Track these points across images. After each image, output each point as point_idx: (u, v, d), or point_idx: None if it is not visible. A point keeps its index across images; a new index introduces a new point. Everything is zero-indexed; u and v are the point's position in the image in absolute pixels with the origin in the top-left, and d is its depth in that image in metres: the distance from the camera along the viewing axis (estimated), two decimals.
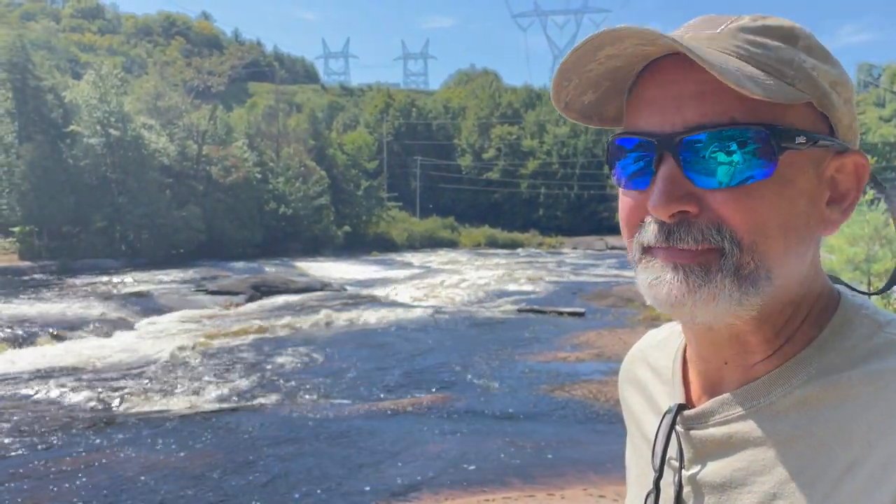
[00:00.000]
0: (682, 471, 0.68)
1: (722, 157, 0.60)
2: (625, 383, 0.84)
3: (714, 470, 0.65)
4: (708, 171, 0.60)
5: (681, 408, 0.70)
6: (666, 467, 0.70)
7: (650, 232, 0.63)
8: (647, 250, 0.64)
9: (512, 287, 23.88)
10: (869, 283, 9.06)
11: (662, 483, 0.70)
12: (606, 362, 11.36)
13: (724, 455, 0.65)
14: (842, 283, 0.71)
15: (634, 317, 16.15)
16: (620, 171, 0.67)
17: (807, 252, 0.63)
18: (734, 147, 0.59)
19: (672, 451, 0.69)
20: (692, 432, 0.68)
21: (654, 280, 0.63)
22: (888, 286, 0.73)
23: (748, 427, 0.63)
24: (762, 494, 0.61)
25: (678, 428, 0.69)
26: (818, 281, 0.66)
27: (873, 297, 0.71)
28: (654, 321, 15.06)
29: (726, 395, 0.66)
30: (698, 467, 0.67)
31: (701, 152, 0.60)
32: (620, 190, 0.68)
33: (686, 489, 0.67)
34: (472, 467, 6.94)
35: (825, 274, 0.68)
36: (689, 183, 0.61)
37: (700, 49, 0.57)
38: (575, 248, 52.38)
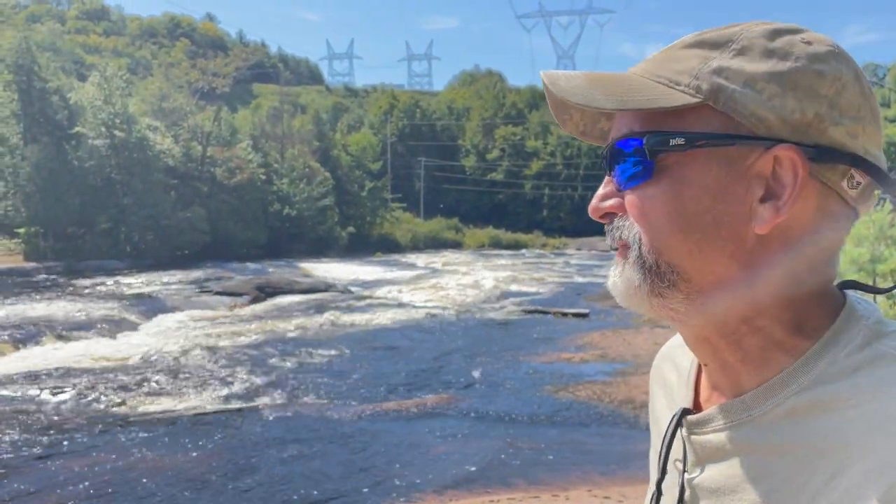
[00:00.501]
0: (685, 474, 0.69)
1: (624, 163, 0.67)
2: (653, 382, 0.86)
3: (711, 475, 0.67)
4: (622, 177, 0.68)
5: (686, 412, 0.71)
6: (672, 469, 0.72)
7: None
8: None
9: (516, 288, 23.87)
10: (874, 284, 9.03)
11: (667, 485, 0.72)
12: (610, 363, 11.35)
13: (720, 461, 0.66)
14: (858, 285, 0.69)
15: (638, 318, 16.13)
16: None
17: (731, 249, 0.64)
18: (624, 154, 0.67)
19: (678, 453, 0.71)
20: (693, 437, 0.69)
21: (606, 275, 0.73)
22: None
23: (742, 436, 0.65)
24: (752, 502, 0.62)
25: (682, 432, 0.70)
26: (802, 286, 0.65)
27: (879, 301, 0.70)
28: (658, 322, 15.03)
29: (725, 404, 0.67)
30: (698, 471, 0.68)
31: (614, 160, 0.68)
32: None
33: (687, 492, 0.69)
34: (476, 468, 6.94)
35: (824, 281, 0.67)
36: (616, 188, 0.69)
37: (556, 77, 0.69)
38: (579, 248, 52.30)
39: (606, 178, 0.70)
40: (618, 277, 0.70)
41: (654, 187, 0.65)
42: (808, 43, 0.65)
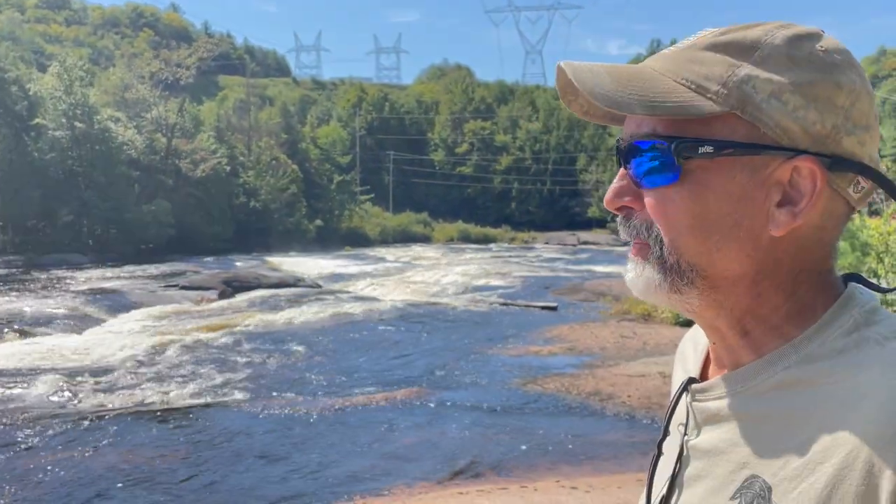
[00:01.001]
0: (685, 437, 0.76)
1: (643, 163, 0.69)
2: (677, 359, 0.93)
3: (706, 438, 0.73)
4: (640, 176, 0.70)
5: (692, 381, 0.78)
6: (674, 432, 0.79)
7: (620, 224, 0.75)
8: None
9: (485, 281, 23.97)
10: None
11: (668, 446, 0.79)
12: (578, 356, 11.48)
13: (715, 426, 0.72)
14: (863, 281, 0.74)
15: (606, 311, 16.33)
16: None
17: (748, 249, 0.68)
18: (649, 155, 0.69)
19: (681, 418, 0.78)
20: (695, 403, 0.76)
21: (624, 269, 0.76)
22: None
23: (735, 404, 0.71)
24: (735, 462, 0.68)
25: (687, 398, 0.77)
26: (802, 277, 0.71)
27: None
28: (626, 315, 15.25)
29: (724, 375, 0.74)
30: (696, 434, 0.75)
31: (634, 158, 0.70)
32: None
33: (685, 453, 0.75)
34: (445, 461, 6.98)
35: (829, 272, 0.72)
36: (633, 183, 0.71)
37: (590, 75, 0.68)
38: (547, 242, 52.66)
39: (621, 171, 0.73)
40: (638, 276, 0.73)
41: (679, 190, 0.68)
42: (826, 51, 0.68)
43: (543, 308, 17.35)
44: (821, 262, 0.72)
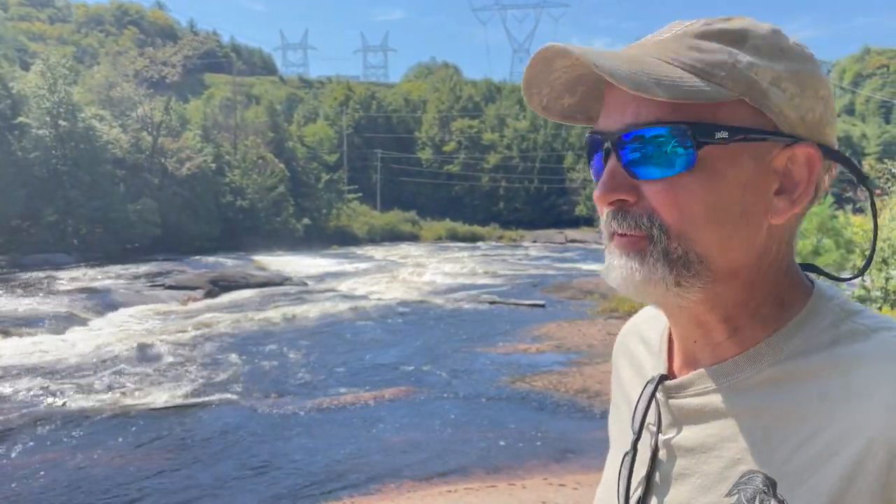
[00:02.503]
0: (659, 435, 0.74)
1: (650, 152, 0.67)
2: (618, 354, 0.91)
3: (687, 435, 0.72)
4: (640, 165, 0.68)
5: (663, 378, 0.76)
6: (644, 431, 0.76)
7: (605, 218, 0.72)
8: (611, 237, 0.72)
9: (473, 280, 23.99)
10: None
11: (640, 445, 0.77)
12: (566, 353, 11.51)
13: (698, 423, 0.71)
14: (819, 271, 0.76)
15: (594, 308, 16.38)
16: (592, 166, 0.75)
17: (752, 239, 0.68)
18: (659, 143, 0.66)
19: (652, 417, 0.76)
20: (671, 401, 0.74)
21: (608, 265, 0.72)
22: (862, 272, 0.81)
23: (720, 399, 0.70)
24: (727, 459, 0.67)
25: (659, 396, 0.76)
26: (783, 268, 0.71)
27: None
28: (613, 312, 15.30)
29: (703, 370, 0.72)
30: (674, 432, 0.73)
31: (634, 149, 0.68)
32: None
33: (661, 451, 0.74)
34: (434, 459, 6.98)
35: (795, 263, 0.74)
36: (627, 175, 0.69)
37: (603, 59, 0.65)
38: (535, 241, 52.73)
39: (612, 164, 0.69)
40: (634, 271, 0.69)
41: (693, 178, 0.67)
42: (799, 45, 0.70)
43: (531, 306, 17.38)
44: (792, 253, 0.73)
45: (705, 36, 0.68)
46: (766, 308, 0.71)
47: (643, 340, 0.86)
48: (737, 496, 0.66)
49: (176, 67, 47.34)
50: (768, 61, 0.67)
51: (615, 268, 0.70)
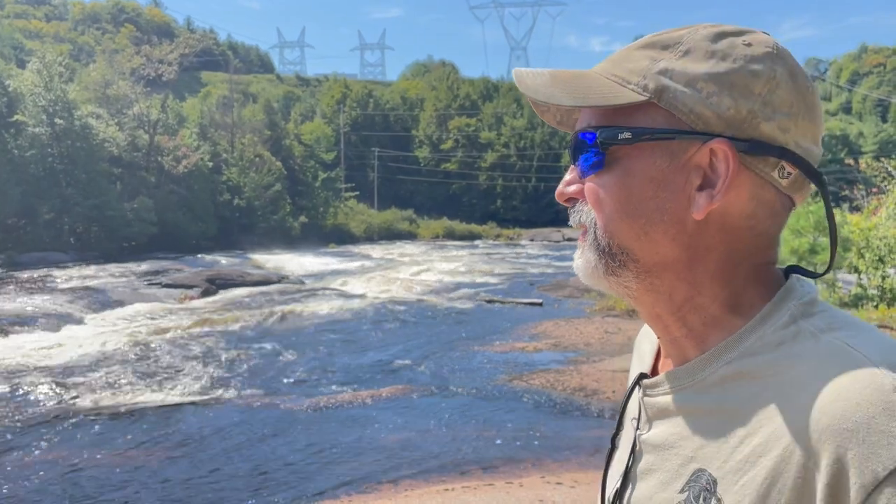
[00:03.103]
0: (637, 431, 0.78)
1: (583, 153, 0.74)
2: (634, 355, 0.95)
3: (656, 432, 0.75)
4: (581, 165, 0.75)
5: (642, 376, 0.80)
6: (628, 426, 0.80)
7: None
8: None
9: (470, 278, 23.98)
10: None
11: (622, 440, 0.81)
12: (563, 352, 11.52)
13: (665, 420, 0.74)
14: (798, 269, 0.76)
15: (591, 307, 16.39)
16: None
17: (673, 232, 0.71)
18: (582, 146, 0.74)
19: (634, 412, 0.80)
20: (646, 398, 0.77)
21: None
22: (829, 269, 0.80)
23: (682, 399, 0.73)
24: (683, 456, 0.70)
25: (638, 393, 0.79)
26: (734, 266, 0.72)
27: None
28: (610, 311, 15.31)
29: (672, 371, 0.75)
30: (647, 428, 0.76)
31: (577, 150, 0.75)
32: None
33: (638, 447, 0.77)
34: (431, 457, 6.98)
35: (769, 264, 0.74)
36: (578, 175, 0.76)
37: (523, 76, 0.76)
38: (532, 239, 52.76)
39: (572, 165, 0.77)
40: (579, 258, 0.77)
41: (606, 176, 0.73)
42: (749, 45, 0.70)
43: (529, 304, 17.39)
44: (758, 254, 0.73)
45: (643, 46, 0.74)
46: (718, 307, 0.72)
47: (650, 340, 0.89)
48: (687, 493, 0.68)
49: (172, 65, 47.21)
50: (690, 64, 0.70)
51: (575, 257, 0.79)
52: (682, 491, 0.69)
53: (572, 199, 0.78)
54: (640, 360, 0.89)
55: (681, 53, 0.71)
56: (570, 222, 0.78)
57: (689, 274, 0.72)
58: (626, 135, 0.71)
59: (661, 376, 0.76)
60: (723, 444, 0.66)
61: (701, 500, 0.66)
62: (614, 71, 0.73)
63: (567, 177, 0.78)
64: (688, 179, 0.70)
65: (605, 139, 0.72)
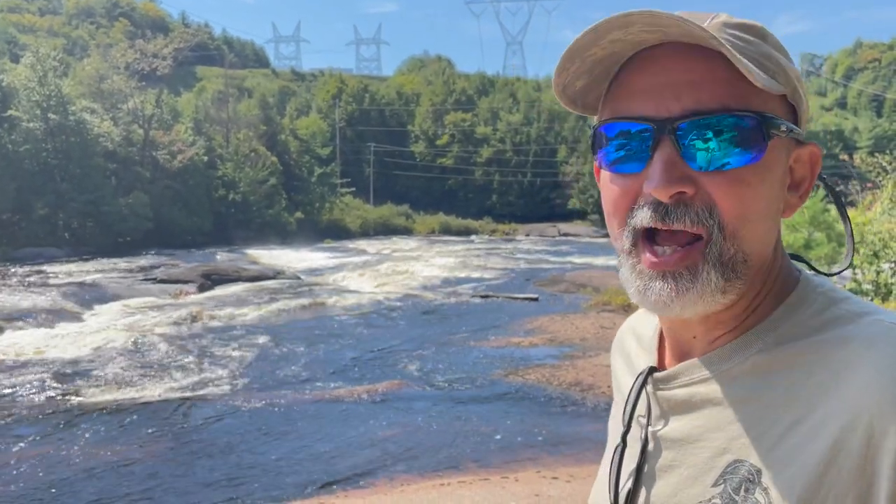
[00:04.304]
0: (649, 427, 0.74)
1: (715, 142, 0.63)
2: (614, 352, 0.91)
3: (675, 427, 0.71)
4: (703, 155, 0.63)
5: (652, 370, 0.76)
6: (635, 424, 0.76)
7: (645, 214, 0.66)
8: (635, 244, 0.68)
9: (466, 273, 23.98)
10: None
11: (630, 438, 0.77)
12: (559, 347, 11.54)
13: (686, 413, 0.71)
14: (804, 261, 0.77)
15: (587, 302, 16.41)
16: (605, 157, 0.70)
17: (775, 233, 0.70)
18: (727, 133, 0.63)
19: (642, 409, 0.76)
20: (659, 392, 0.74)
21: (641, 287, 0.67)
22: (845, 269, 0.81)
23: (708, 389, 0.69)
24: (714, 449, 0.67)
25: (648, 388, 0.76)
26: (780, 260, 0.72)
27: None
28: (606, 306, 15.33)
29: (691, 361, 0.72)
30: (662, 424, 0.73)
31: (697, 137, 0.63)
32: (607, 177, 0.71)
33: (651, 444, 0.74)
34: (427, 453, 6.99)
35: (786, 253, 0.75)
36: (685, 165, 0.64)
37: (718, 40, 0.60)
38: (528, 234, 52.80)
39: (669, 153, 0.64)
40: (684, 289, 0.65)
41: (755, 171, 0.64)
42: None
43: (524, 300, 17.40)
44: (780, 242, 0.74)
45: (742, 28, 0.67)
46: (762, 298, 0.71)
47: (637, 337, 0.86)
48: (723, 486, 0.65)
49: (167, 60, 47.06)
50: (788, 59, 0.68)
51: (655, 291, 0.66)
52: (716, 484, 0.66)
53: (679, 194, 0.64)
54: (626, 358, 0.86)
55: (775, 46, 0.68)
56: (679, 223, 0.64)
57: (767, 271, 0.70)
58: (783, 128, 0.65)
59: (677, 368, 0.73)
60: (764, 432, 0.64)
61: (742, 491, 0.63)
62: (754, 55, 0.64)
63: (666, 167, 0.64)
64: (786, 180, 0.70)
65: (770, 129, 0.64)
